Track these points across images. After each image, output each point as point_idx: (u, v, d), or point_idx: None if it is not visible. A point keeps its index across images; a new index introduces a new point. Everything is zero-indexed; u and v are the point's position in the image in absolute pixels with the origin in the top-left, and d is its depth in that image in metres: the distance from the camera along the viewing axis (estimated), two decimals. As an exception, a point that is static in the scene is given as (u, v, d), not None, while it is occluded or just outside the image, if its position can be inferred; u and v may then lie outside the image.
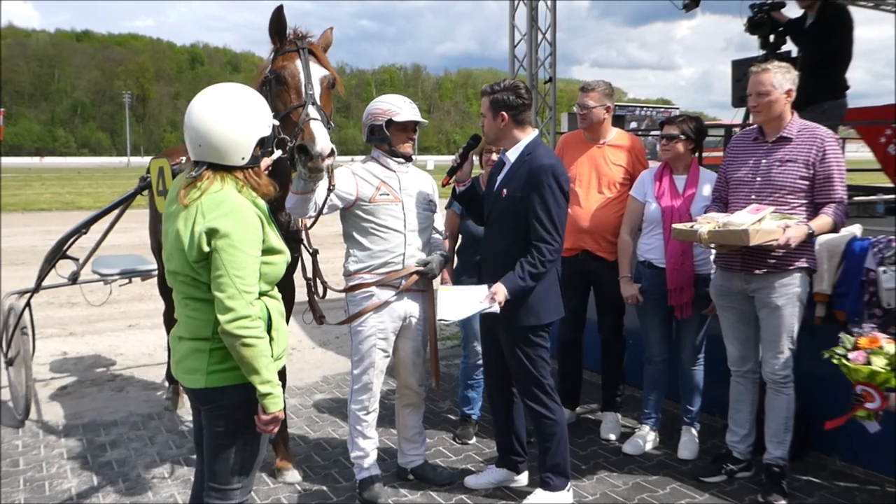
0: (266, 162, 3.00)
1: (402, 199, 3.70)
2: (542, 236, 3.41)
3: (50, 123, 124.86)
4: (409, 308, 3.79)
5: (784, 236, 3.37)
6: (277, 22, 3.40)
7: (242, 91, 2.58)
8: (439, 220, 4.00)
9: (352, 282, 3.72)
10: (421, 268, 3.72)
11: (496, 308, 3.38)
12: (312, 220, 3.61)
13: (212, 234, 2.37)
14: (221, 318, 2.36)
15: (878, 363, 3.17)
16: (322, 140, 3.15)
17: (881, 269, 3.65)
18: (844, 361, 3.26)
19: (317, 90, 3.33)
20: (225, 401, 2.51)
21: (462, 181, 3.78)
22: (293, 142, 3.19)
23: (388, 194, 3.67)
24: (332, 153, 3.18)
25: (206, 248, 2.38)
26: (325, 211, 3.57)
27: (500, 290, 3.39)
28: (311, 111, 3.24)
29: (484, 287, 3.48)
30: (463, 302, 3.45)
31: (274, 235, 2.58)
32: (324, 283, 3.87)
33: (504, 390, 3.83)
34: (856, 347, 3.26)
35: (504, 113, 3.53)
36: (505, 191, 3.54)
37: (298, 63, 3.37)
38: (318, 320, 3.92)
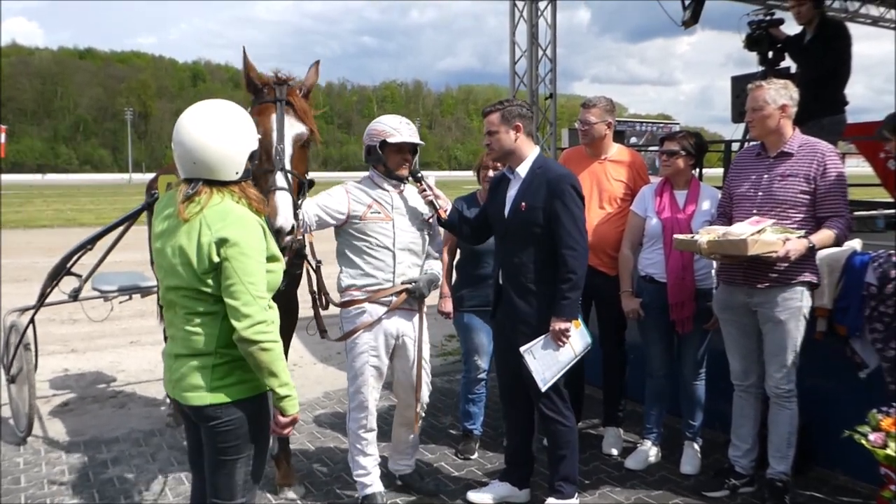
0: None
1: (394, 217, 3.72)
2: (568, 243, 3.49)
3: (52, 140, 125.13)
4: (402, 327, 3.80)
5: (784, 249, 3.38)
6: (246, 68, 3.28)
7: (229, 107, 2.60)
8: (438, 242, 4.02)
9: (344, 298, 3.76)
10: (408, 286, 3.74)
11: (581, 346, 3.66)
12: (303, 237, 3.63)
13: (222, 243, 2.40)
14: (238, 325, 2.38)
15: (894, 447, 3.21)
16: (284, 215, 3.06)
17: None
18: (864, 442, 3.29)
19: (288, 151, 3.20)
20: (229, 416, 2.51)
21: (444, 207, 3.81)
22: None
23: (379, 213, 3.70)
24: (292, 230, 3.11)
25: (217, 259, 2.41)
26: (313, 227, 3.62)
27: (561, 324, 3.53)
28: (279, 180, 3.12)
29: (543, 337, 3.57)
30: (546, 356, 3.56)
31: (273, 244, 2.62)
32: (326, 294, 3.87)
33: (521, 405, 3.84)
34: (878, 428, 3.28)
35: (519, 123, 3.62)
36: (524, 204, 3.58)
37: (273, 119, 3.23)
38: (321, 334, 3.93)
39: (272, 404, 2.60)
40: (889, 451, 3.23)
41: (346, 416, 4.61)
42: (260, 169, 3.12)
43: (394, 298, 3.72)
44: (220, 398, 2.50)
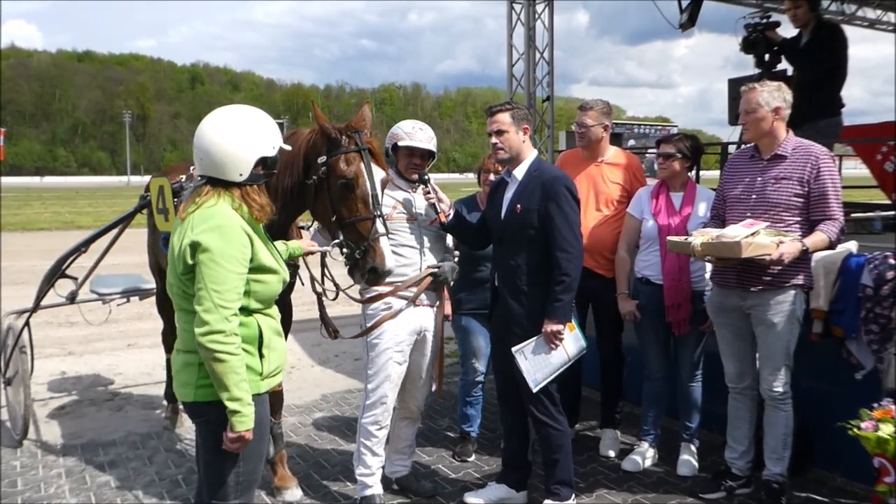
0: (310, 246, 3.37)
1: (418, 218, 3.82)
2: (562, 245, 3.50)
3: (51, 143, 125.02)
4: (424, 322, 3.88)
5: (777, 251, 3.39)
6: (321, 120, 3.41)
7: (250, 112, 2.65)
8: (450, 239, 4.10)
9: (369, 294, 3.78)
10: (434, 270, 3.82)
11: (575, 349, 3.67)
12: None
13: (195, 247, 2.42)
14: (196, 330, 2.39)
15: (886, 430, 3.23)
16: (390, 259, 3.31)
17: None
18: (857, 431, 3.30)
19: (380, 198, 3.38)
20: (214, 415, 2.51)
21: (446, 212, 3.83)
22: (359, 255, 3.31)
23: (404, 213, 3.79)
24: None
25: (191, 261, 2.43)
26: None
27: (553, 325, 3.53)
28: (380, 226, 3.32)
29: (535, 338, 3.58)
30: (538, 357, 3.58)
31: (266, 254, 2.61)
32: (337, 285, 3.85)
33: (518, 407, 3.84)
34: (869, 418, 3.30)
35: (527, 126, 3.68)
36: (519, 206, 3.61)
37: (363, 167, 3.35)
38: (331, 335, 3.94)
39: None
40: (881, 434, 3.22)
41: (345, 419, 4.58)
42: (358, 217, 3.33)
43: (417, 287, 3.79)
44: (205, 396, 2.51)
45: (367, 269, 3.30)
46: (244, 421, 2.45)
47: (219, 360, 2.39)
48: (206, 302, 2.39)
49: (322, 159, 3.36)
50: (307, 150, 3.45)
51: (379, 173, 3.41)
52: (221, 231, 2.45)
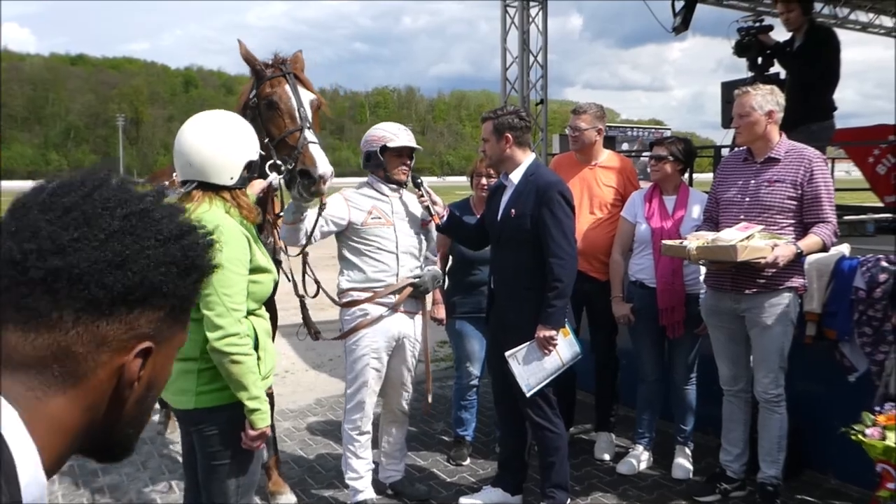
0: (259, 186, 3.09)
1: (395, 222, 3.77)
2: (555, 251, 3.49)
3: (43, 147, 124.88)
4: (403, 328, 3.84)
5: (772, 255, 3.40)
6: (247, 55, 3.48)
7: (231, 116, 2.69)
8: (433, 245, 4.08)
9: (345, 298, 3.77)
10: (414, 280, 3.78)
11: (569, 355, 3.64)
12: (301, 247, 3.66)
13: None
14: (210, 335, 2.40)
15: (893, 438, 3.20)
16: (323, 163, 3.25)
17: None
18: (861, 437, 3.28)
19: (308, 114, 3.38)
20: (215, 421, 2.52)
21: (440, 213, 3.84)
22: (292, 166, 3.26)
23: (379, 218, 3.74)
24: (330, 176, 3.28)
25: None
26: (317, 237, 3.63)
27: (546, 331, 3.53)
28: (309, 135, 3.30)
29: (528, 343, 3.58)
30: (531, 362, 3.57)
31: (261, 255, 2.63)
32: (316, 281, 3.78)
33: (515, 410, 3.83)
34: (874, 424, 3.29)
35: (508, 134, 3.64)
36: (514, 211, 3.61)
37: (287, 88, 3.41)
38: (313, 336, 3.93)
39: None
40: (888, 443, 3.21)
41: (339, 423, 4.56)
42: (286, 130, 3.34)
43: (397, 296, 3.76)
44: (206, 402, 2.51)
45: (297, 173, 3.26)
46: (265, 418, 2.51)
47: (236, 363, 2.42)
48: (217, 307, 2.41)
49: (253, 93, 3.45)
50: (245, 97, 3.52)
51: (307, 95, 3.44)
52: (224, 235, 2.45)
